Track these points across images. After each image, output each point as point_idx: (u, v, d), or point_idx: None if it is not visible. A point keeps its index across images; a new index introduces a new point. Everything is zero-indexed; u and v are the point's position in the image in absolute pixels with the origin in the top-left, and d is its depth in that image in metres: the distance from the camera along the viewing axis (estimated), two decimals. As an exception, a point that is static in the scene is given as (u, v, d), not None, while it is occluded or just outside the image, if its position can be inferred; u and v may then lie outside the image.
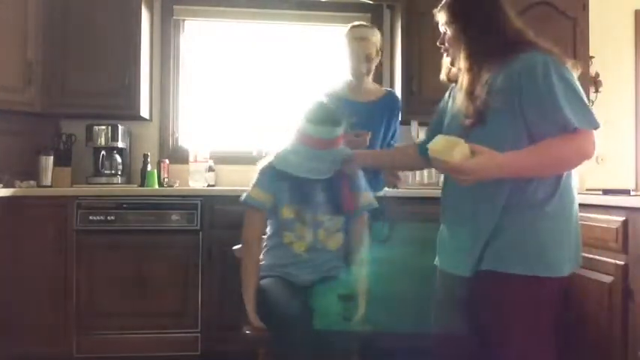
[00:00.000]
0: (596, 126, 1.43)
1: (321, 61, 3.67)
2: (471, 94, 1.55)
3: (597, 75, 3.67)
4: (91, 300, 2.83)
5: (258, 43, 3.64)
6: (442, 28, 1.68)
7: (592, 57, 3.52)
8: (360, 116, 2.43)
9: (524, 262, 1.49)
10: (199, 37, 3.63)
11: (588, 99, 3.46)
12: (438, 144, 1.45)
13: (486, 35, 1.56)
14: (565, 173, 1.52)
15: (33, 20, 3.05)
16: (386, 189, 2.67)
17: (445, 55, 1.70)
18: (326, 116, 1.98)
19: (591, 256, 2.23)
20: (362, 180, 2.14)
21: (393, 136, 2.69)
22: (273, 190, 2.05)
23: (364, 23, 2.70)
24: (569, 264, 1.54)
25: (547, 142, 1.43)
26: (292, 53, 3.66)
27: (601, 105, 3.67)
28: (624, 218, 2.04)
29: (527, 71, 1.47)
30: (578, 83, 1.49)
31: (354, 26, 2.54)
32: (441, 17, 1.68)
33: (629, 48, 3.80)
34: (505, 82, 1.50)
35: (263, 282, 2.05)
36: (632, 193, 2.39)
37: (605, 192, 2.38)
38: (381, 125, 2.57)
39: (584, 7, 3.42)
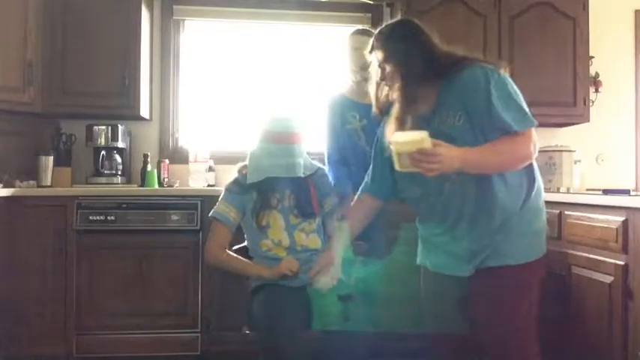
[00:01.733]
0: (531, 125, 1.63)
1: (321, 60, 3.67)
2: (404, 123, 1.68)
3: (597, 75, 3.68)
4: (91, 300, 2.83)
5: (258, 43, 3.64)
6: (380, 66, 1.77)
7: (592, 57, 3.52)
8: (370, 118, 2.39)
9: (520, 252, 1.68)
10: (199, 37, 3.63)
11: (588, 99, 3.47)
12: (403, 137, 1.52)
13: (422, 64, 1.68)
14: (535, 171, 1.72)
15: (33, 20, 3.05)
16: None
17: (388, 89, 1.78)
18: (280, 114, 2.15)
19: (591, 256, 2.23)
20: (329, 184, 2.24)
21: None
22: (241, 205, 2.12)
23: (365, 29, 2.70)
24: (546, 240, 1.80)
25: (495, 142, 1.61)
26: (292, 53, 3.66)
27: (601, 105, 3.68)
28: (624, 218, 2.04)
29: (470, 84, 1.63)
30: (514, 87, 1.67)
31: (352, 34, 2.56)
32: (376, 56, 1.77)
33: (629, 48, 3.80)
34: (453, 99, 1.65)
35: (258, 293, 2.06)
36: (632, 193, 2.39)
37: (605, 192, 2.38)
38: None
39: (584, 7, 3.43)
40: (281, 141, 2.07)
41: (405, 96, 1.67)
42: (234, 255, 2.12)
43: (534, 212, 1.74)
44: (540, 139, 3.64)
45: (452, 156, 1.53)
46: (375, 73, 1.79)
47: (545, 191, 2.96)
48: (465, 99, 1.64)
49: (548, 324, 2.56)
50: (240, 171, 2.16)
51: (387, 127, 1.75)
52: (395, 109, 1.73)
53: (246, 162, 2.15)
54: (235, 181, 2.15)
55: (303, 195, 2.12)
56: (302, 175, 2.10)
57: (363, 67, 2.47)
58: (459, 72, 1.66)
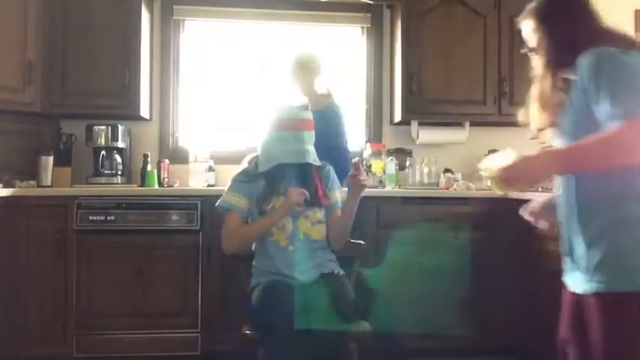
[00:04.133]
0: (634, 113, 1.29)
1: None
2: (545, 104, 1.54)
3: (597, 75, 3.67)
4: (91, 300, 2.83)
5: (258, 43, 3.64)
6: (529, 37, 1.62)
7: (592, 57, 3.52)
8: None
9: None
10: (199, 37, 3.63)
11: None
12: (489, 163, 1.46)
13: (571, 38, 1.50)
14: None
15: (33, 20, 3.05)
16: None
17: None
18: (291, 104, 2.26)
19: (591, 256, 2.23)
20: (335, 178, 2.25)
21: (346, 141, 2.81)
22: (249, 193, 2.13)
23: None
24: None
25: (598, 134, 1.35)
26: (292, 53, 3.66)
27: (601, 105, 3.67)
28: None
29: (585, 68, 1.41)
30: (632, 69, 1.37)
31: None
32: (526, 25, 1.61)
33: (629, 48, 3.79)
34: (576, 84, 1.45)
35: (258, 292, 2.07)
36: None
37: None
38: (320, 132, 2.41)
39: (585, 7, 3.42)
40: (290, 128, 2.10)
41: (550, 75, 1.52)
42: (242, 228, 2.14)
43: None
44: (540, 139, 3.63)
45: (539, 156, 1.37)
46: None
47: (546, 191, 2.97)
48: (580, 85, 1.42)
49: (548, 324, 2.56)
50: (249, 162, 2.20)
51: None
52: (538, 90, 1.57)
53: (257, 153, 2.19)
54: (243, 171, 2.19)
55: (310, 184, 2.14)
56: (311, 162, 2.12)
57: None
58: (583, 54, 1.42)
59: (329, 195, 2.19)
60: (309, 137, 2.14)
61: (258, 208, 2.12)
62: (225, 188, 2.20)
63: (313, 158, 2.13)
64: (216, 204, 2.18)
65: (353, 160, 2.14)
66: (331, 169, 2.25)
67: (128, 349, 2.82)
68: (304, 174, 2.14)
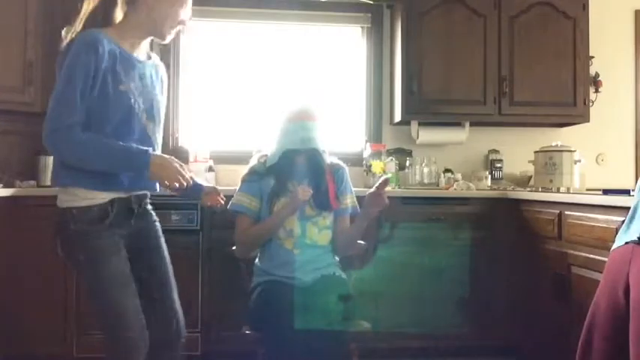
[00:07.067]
0: None
1: (320, 60, 3.67)
2: None
3: (597, 75, 3.68)
4: (91, 300, 2.82)
5: (258, 43, 3.64)
6: None
7: (592, 57, 3.53)
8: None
9: None
10: (199, 37, 3.63)
11: (588, 99, 3.47)
12: None
13: None
14: None
15: (33, 20, 3.04)
16: None
17: None
18: (298, 99, 2.28)
19: (591, 256, 2.24)
20: (349, 181, 2.22)
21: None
22: (259, 192, 2.12)
23: None
24: None
25: None
26: (292, 53, 3.66)
27: (601, 105, 3.68)
28: (624, 218, 2.04)
29: None
30: None
31: None
32: None
33: (629, 48, 3.80)
34: None
35: (258, 292, 2.07)
36: (632, 193, 2.38)
37: (605, 192, 2.38)
38: None
39: (584, 7, 3.43)
40: (298, 119, 2.11)
41: None
42: (253, 227, 2.13)
43: None
44: (540, 139, 3.65)
45: None
46: None
47: (545, 191, 2.98)
48: None
49: (548, 324, 2.56)
50: (259, 159, 2.19)
51: None
52: None
53: (266, 152, 2.19)
54: (250, 171, 2.18)
55: (321, 186, 2.12)
56: (319, 149, 2.11)
57: None
58: None
59: (340, 198, 2.17)
60: (316, 126, 2.13)
61: (269, 208, 2.10)
62: (225, 188, 2.19)
63: (322, 148, 2.13)
64: (229, 206, 2.15)
65: (382, 178, 2.00)
66: (345, 171, 2.23)
67: (128, 349, 2.82)
68: (316, 175, 2.13)
